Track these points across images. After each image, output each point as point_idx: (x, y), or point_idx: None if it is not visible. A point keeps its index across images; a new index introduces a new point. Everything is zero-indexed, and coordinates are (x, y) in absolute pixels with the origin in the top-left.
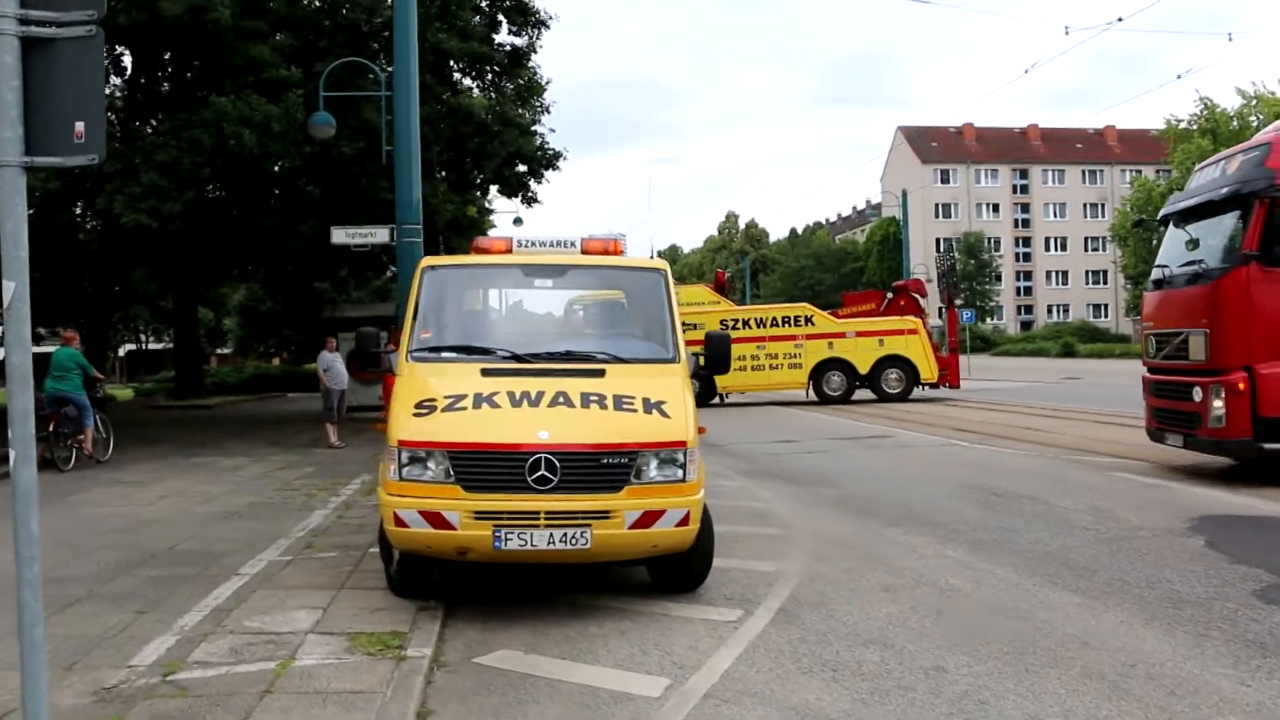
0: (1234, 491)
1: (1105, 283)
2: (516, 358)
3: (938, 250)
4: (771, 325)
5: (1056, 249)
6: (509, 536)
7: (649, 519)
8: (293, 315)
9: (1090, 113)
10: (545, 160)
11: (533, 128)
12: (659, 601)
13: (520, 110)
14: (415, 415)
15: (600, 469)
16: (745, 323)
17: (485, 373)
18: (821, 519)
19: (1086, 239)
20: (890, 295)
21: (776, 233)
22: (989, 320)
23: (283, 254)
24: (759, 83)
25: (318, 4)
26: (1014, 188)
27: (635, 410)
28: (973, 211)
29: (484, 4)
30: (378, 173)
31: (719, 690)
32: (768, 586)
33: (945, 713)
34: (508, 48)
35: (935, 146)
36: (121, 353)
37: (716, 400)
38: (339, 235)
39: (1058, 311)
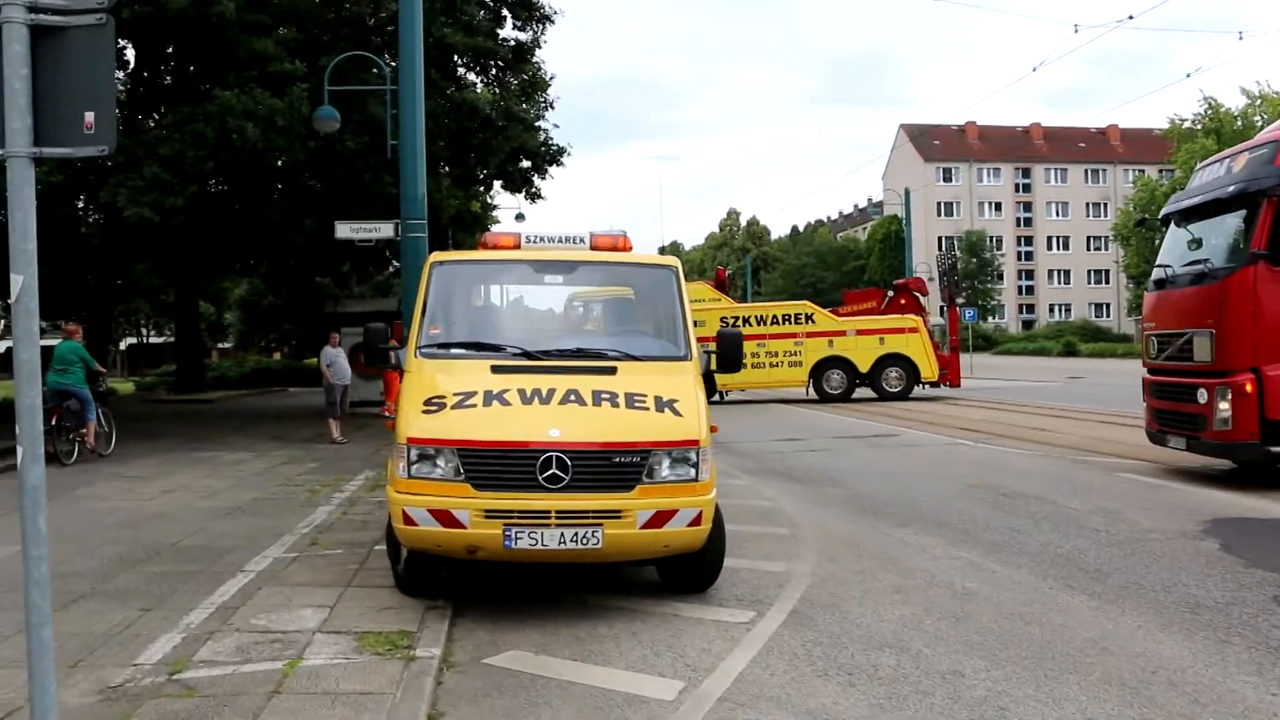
0: (1244, 494)
1: (1107, 282)
2: (527, 355)
3: (940, 249)
4: (772, 323)
5: (1059, 248)
6: (519, 536)
7: (661, 519)
8: (294, 310)
9: (1095, 112)
10: (549, 156)
11: (536, 123)
12: (669, 602)
13: (524, 106)
14: (424, 412)
15: (612, 468)
16: (746, 320)
17: (495, 369)
18: (829, 518)
19: (1089, 238)
20: (891, 294)
21: (778, 230)
22: (991, 319)
23: (285, 248)
24: (759, 82)
25: None
26: (1016, 186)
27: (647, 409)
28: (975, 210)
29: None
30: (382, 167)
31: (734, 694)
32: (779, 587)
33: (965, 719)
34: (512, 43)
35: (938, 145)
36: (122, 346)
37: (716, 398)
38: (343, 230)
39: (1059, 311)
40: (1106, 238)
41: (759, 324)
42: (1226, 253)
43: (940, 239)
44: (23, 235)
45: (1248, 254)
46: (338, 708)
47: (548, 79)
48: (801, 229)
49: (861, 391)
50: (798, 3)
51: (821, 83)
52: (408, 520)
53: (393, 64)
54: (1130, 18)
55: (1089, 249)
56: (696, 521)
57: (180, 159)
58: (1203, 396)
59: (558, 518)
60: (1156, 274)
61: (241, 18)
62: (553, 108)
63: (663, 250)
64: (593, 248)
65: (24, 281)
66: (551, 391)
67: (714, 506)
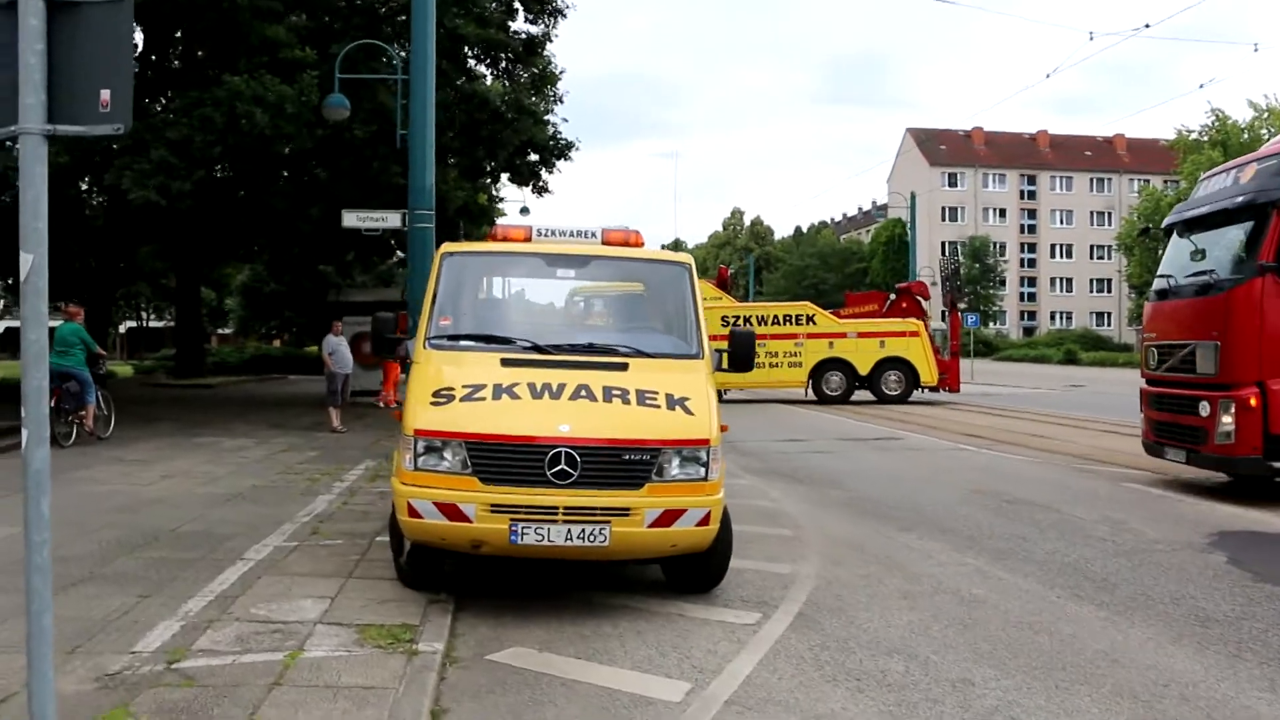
0: (1249, 508)
1: (1110, 291)
2: (537, 348)
3: (943, 253)
4: (773, 323)
5: (1062, 256)
6: (526, 531)
7: (669, 518)
8: (296, 297)
9: (1103, 120)
10: (557, 150)
11: (546, 117)
12: (674, 601)
13: (534, 99)
14: (433, 404)
15: (621, 465)
16: (747, 320)
17: (505, 363)
18: (833, 521)
19: (1092, 247)
20: (893, 297)
21: (781, 230)
22: (992, 325)
23: (290, 236)
24: (761, 80)
25: None
26: (1021, 193)
27: (658, 406)
28: (979, 215)
29: None
30: (390, 157)
31: (741, 697)
32: (784, 589)
33: None
34: (523, 36)
35: (944, 149)
36: (122, 330)
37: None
38: (350, 219)
39: (1061, 319)
40: (1110, 247)
41: (760, 324)
42: (1232, 264)
43: (944, 243)
44: (34, 213)
45: (1256, 266)
46: (339, 701)
47: (557, 73)
48: (805, 230)
49: (860, 394)
50: (799, 1)
51: (823, 82)
52: (413, 513)
53: (403, 53)
54: (1147, 25)
55: (1092, 257)
56: (705, 521)
57: (188, 143)
58: (1205, 409)
59: (565, 514)
60: (1158, 284)
61: (253, 3)
62: (561, 102)
63: (667, 248)
64: (604, 243)
65: (34, 260)
66: (562, 386)
67: (722, 507)
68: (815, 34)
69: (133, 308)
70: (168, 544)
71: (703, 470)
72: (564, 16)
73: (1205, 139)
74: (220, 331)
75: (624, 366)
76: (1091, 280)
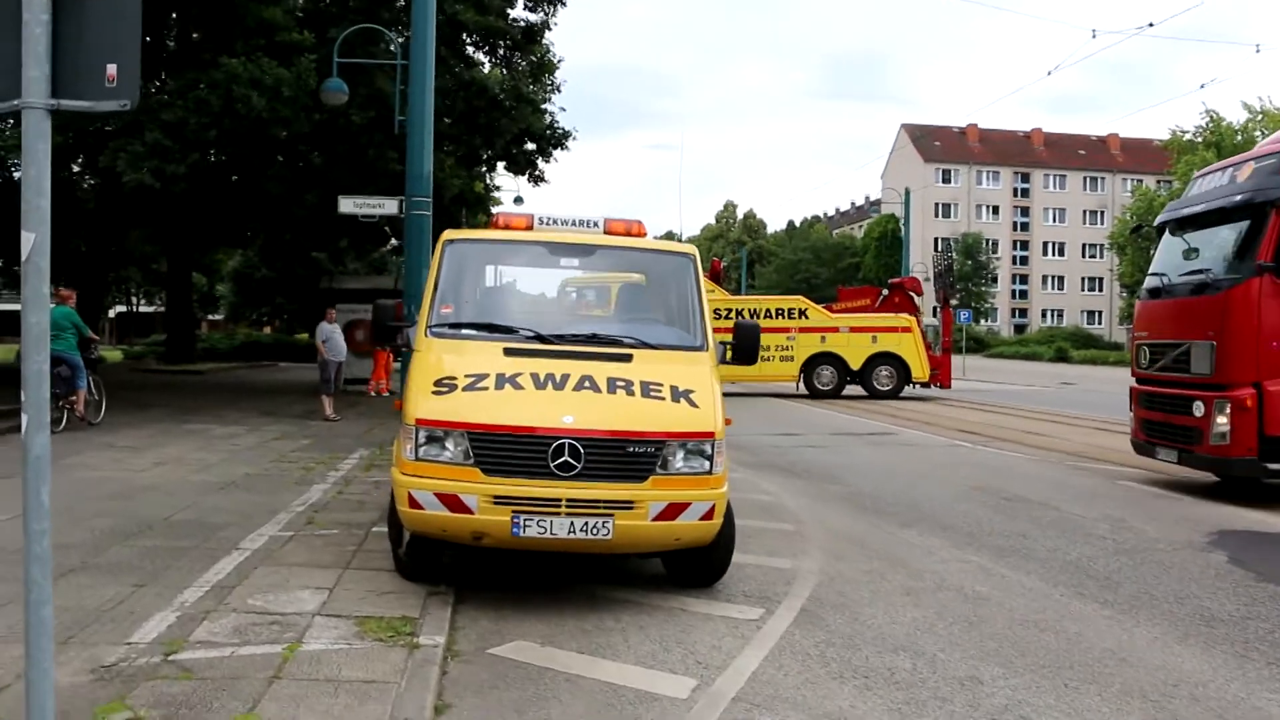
0: (1246, 508)
1: (1101, 290)
2: (540, 338)
3: (936, 249)
4: (765, 316)
5: (1054, 254)
6: (528, 523)
7: (673, 511)
8: (288, 284)
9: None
10: (555, 139)
11: (543, 106)
12: (676, 596)
13: (532, 87)
14: (434, 393)
15: (626, 457)
16: (739, 313)
17: (508, 352)
18: (832, 515)
19: (1085, 245)
20: (886, 292)
21: (774, 224)
22: (983, 322)
23: (284, 222)
24: (757, 75)
25: None
26: (1015, 191)
27: (663, 398)
28: (972, 212)
29: None
30: (386, 143)
31: (748, 694)
32: (786, 585)
33: None
34: (522, 23)
35: (938, 146)
36: (111, 314)
37: None
38: (346, 205)
39: (1052, 316)
40: (1102, 245)
41: (752, 317)
42: (1227, 263)
43: (937, 240)
44: (36, 190)
45: (1254, 266)
46: (341, 696)
47: (556, 61)
48: (798, 224)
49: (851, 389)
50: None
51: (821, 78)
52: (413, 503)
53: (402, 39)
54: (1150, 25)
55: (1084, 256)
56: (709, 515)
57: (183, 126)
58: (1199, 410)
59: (568, 506)
60: (1150, 282)
61: None
62: (559, 90)
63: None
64: (606, 232)
65: (35, 240)
66: (566, 377)
67: (726, 501)
68: (816, 30)
69: (123, 292)
70: (162, 532)
71: (707, 463)
72: (563, 4)
73: (1199, 140)
74: (210, 318)
75: (628, 358)
76: (1083, 279)
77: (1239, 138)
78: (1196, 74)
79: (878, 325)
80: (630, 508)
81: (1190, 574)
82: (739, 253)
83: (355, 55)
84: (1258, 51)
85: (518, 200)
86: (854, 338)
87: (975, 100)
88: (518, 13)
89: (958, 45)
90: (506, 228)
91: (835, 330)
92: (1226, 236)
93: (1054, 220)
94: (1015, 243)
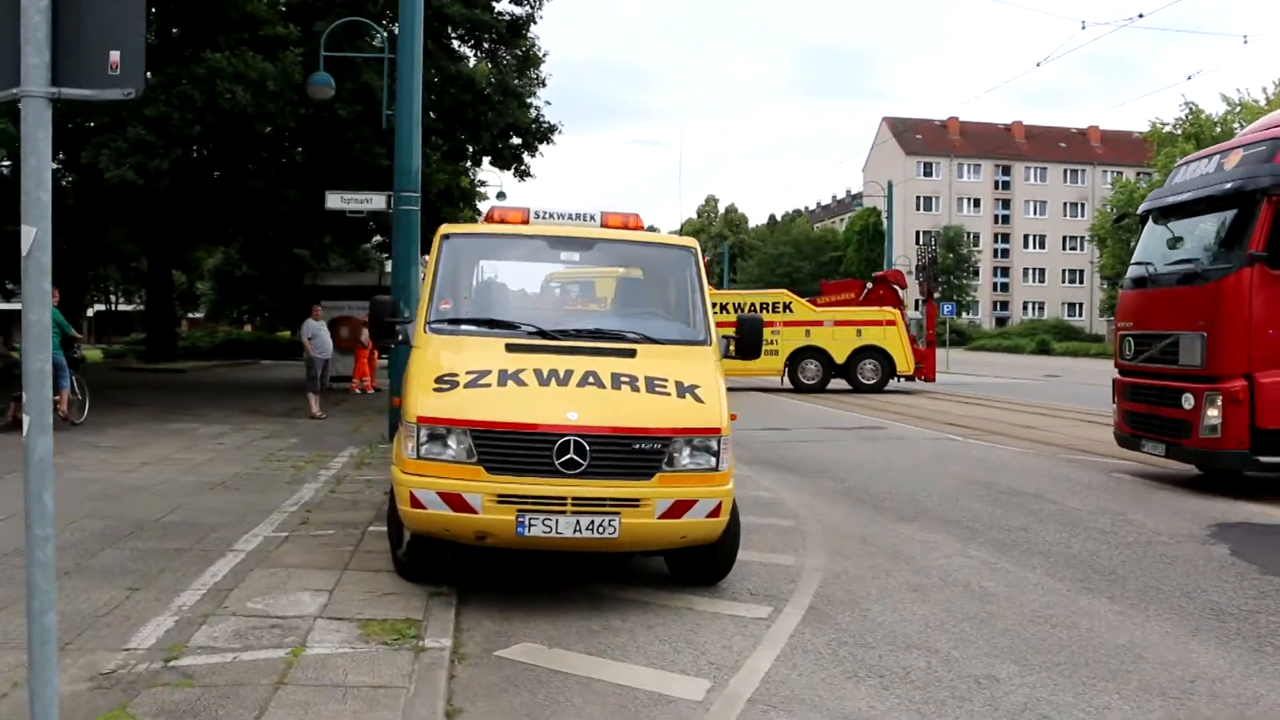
0: (1243, 500)
1: (1082, 282)
2: (542, 333)
3: (918, 243)
4: (749, 311)
5: (1035, 246)
6: (533, 522)
7: (680, 509)
8: (269, 281)
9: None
10: (540, 133)
11: (529, 100)
12: (682, 594)
13: (518, 81)
14: (436, 390)
15: (632, 454)
16: (723, 308)
17: (510, 348)
18: (831, 511)
19: (1065, 238)
20: (870, 285)
21: (756, 218)
22: (965, 315)
23: (267, 218)
24: (739, 69)
25: None
26: (996, 184)
27: (668, 394)
28: (954, 206)
29: None
30: (372, 138)
31: (764, 695)
32: (791, 582)
33: None
34: (508, 17)
35: (919, 139)
36: (90, 313)
37: None
38: (334, 200)
39: (1033, 309)
40: (1083, 238)
41: (735, 311)
42: (1215, 253)
43: (918, 233)
44: (37, 182)
45: (1245, 255)
46: (349, 702)
47: (541, 55)
48: (780, 218)
49: (836, 382)
50: None
51: (803, 72)
52: (415, 503)
53: (387, 33)
54: (1140, 16)
55: (1065, 248)
56: (715, 513)
57: (166, 121)
58: (1188, 402)
59: (574, 505)
60: (1134, 271)
61: None
62: (545, 84)
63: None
64: (603, 226)
65: (36, 234)
66: (569, 373)
67: (732, 497)
68: (799, 24)
69: (102, 291)
70: (153, 534)
71: (714, 460)
72: None
73: (1179, 132)
74: (191, 316)
75: (632, 353)
76: (1064, 271)
77: (1218, 130)
78: (1179, 67)
79: (862, 319)
80: (636, 505)
81: (1195, 567)
82: (720, 247)
83: (341, 49)
84: (1245, 43)
85: (500, 195)
86: (838, 331)
87: (957, 94)
88: (503, 6)
89: (941, 40)
90: (502, 222)
91: (820, 324)
92: (1214, 225)
93: (1035, 213)
94: (996, 235)
